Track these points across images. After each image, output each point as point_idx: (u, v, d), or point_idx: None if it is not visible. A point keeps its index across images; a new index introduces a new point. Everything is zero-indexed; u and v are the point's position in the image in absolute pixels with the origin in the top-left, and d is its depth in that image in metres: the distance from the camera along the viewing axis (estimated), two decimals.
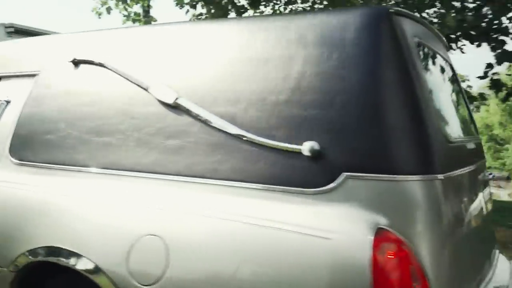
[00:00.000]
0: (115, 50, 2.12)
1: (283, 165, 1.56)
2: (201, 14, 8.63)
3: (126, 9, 9.31)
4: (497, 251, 2.44)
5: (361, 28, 1.61)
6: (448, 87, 2.23)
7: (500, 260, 2.36)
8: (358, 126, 1.50)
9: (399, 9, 1.74)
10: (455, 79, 2.42)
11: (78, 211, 1.88)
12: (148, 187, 1.79)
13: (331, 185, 1.48)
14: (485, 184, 2.32)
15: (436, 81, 2.00)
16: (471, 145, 2.15)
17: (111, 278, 1.71)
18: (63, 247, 1.82)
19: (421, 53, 1.80)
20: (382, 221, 1.42)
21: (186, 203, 1.70)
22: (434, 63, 2.03)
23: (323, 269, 1.42)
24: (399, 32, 1.64)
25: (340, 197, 1.47)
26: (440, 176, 1.53)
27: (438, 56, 2.12)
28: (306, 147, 1.53)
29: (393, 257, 1.39)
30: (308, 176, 1.52)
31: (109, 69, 2.04)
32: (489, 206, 2.39)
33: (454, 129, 2.00)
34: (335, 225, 1.45)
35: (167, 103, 1.83)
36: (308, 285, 1.43)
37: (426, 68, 1.85)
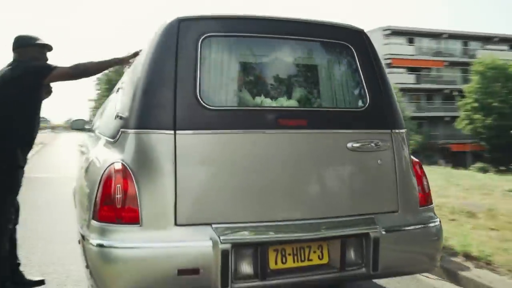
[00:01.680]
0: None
1: (114, 125, 2.77)
2: None
3: None
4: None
5: (158, 34, 2.50)
6: (289, 62, 2.83)
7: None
8: (129, 101, 2.53)
9: (194, 16, 2.52)
10: (323, 55, 2.88)
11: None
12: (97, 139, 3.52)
13: (116, 137, 2.61)
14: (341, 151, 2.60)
15: (243, 61, 2.73)
16: (292, 114, 2.63)
17: None
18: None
19: (212, 45, 2.53)
20: (122, 157, 2.41)
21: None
22: (241, 48, 2.71)
23: (92, 182, 2.55)
24: (177, 34, 2.44)
25: (118, 145, 2.56)
26: (170, 132, 2.35)
27: (258, 41, 2.71)
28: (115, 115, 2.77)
29: (113, 178, 2.33)
30: (114, 131, 2.70)
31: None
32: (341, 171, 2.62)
33: (238, 99, 2.63)
34: (106, 159, 2.55)
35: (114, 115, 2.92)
36: (89, 191, 2.57)
37: (216, 54, 2.56)
